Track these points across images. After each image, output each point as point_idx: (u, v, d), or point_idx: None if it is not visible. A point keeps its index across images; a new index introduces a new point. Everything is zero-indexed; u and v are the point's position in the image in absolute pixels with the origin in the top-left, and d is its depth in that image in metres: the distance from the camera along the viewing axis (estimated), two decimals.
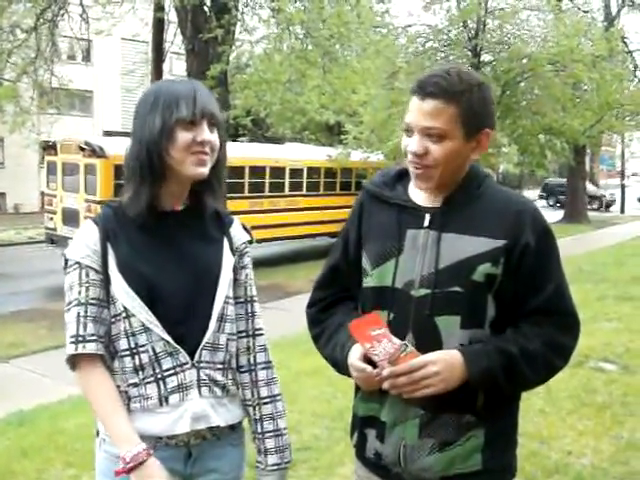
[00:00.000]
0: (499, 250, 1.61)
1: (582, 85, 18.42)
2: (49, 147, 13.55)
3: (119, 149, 12.97)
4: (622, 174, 33.98)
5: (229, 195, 13.13)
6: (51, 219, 13.31)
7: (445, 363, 1.55)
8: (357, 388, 1.77)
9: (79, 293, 1.68)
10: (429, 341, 1.60)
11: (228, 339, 1.78)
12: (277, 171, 15.56)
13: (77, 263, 1.70)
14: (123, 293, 1.67)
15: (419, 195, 1.71)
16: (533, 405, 4.75)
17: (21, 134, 13.86)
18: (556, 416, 4.65)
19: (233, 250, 1.83)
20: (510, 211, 1.65)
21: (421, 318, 1.62)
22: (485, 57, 18.31)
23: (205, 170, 1.72)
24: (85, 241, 1.71)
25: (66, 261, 1.72)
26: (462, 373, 1.56)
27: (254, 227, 12.34)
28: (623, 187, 32.14)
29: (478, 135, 1.64)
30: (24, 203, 25.50)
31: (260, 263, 14.13)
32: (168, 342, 1.68)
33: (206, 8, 11.36)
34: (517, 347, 1.59)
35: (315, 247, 16.05)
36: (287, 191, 15.82)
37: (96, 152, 12.13)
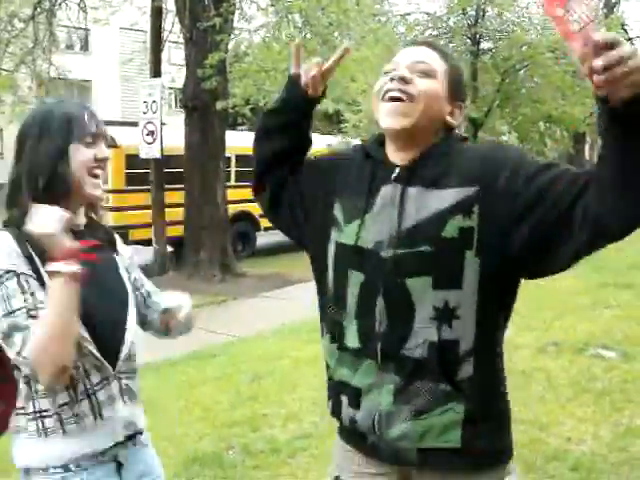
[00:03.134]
0: (469, 198, 1.47)
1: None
2: None
3: (130, 139, 13.06)
4: None
5: (237, 184, 13.18)
6: None
7: None
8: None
9: (25, 300, 1.58)
10: (400, 304, 1.52)
11: (135, 347, 1.85)
12: None
13: (11, 272, 1.59)
14: None
15: (394, 155, 1.62)
16: (533, 392, 4.76)
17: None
18: (555, 403, 4.66)
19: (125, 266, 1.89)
20: (481, 155, 1.54)
21: (391, 280, 1.53)
22: (484, 45, 18.27)
23: (101, 191, 1.77)
24: (6, 250, 1.61)
25: None
26: None
27: (261, 215, 12.36)
28: None
29: (455, 102, 1.61)
30: None
31: (261, 252, 14.14)
32: (96, 356, 1.69)
33: None
34: None
35: None
36: None
37: (107, 142, 12.11)
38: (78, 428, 1.69)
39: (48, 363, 1.53)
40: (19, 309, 1.57)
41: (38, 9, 12.20)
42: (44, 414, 1.67)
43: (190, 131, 11.58)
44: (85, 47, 27.34)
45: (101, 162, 1.76)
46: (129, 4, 12.73)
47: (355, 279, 1.59)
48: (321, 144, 17.26)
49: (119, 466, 1.79)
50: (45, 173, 1.67)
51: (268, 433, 4.32)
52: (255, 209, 12.55)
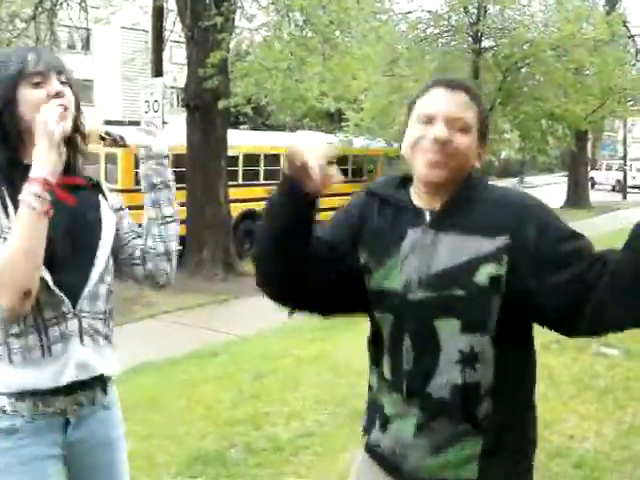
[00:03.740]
0: (501, 248, 1.54)
1: (584, 70, 18.34)
2: None
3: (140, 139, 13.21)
4: (624, 159, 33.86)
5: (245, 182, 13.20)
6: None
7: None
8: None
9: None
10: (427, 345, 1.57)
11: (108, 290, 1.81)
12: None
13: None
14: None
15: (420, 199, 1.66)
16: (535, 390, 4.75)
17: None
18: (558, 400, 4.66)
19: (110, 208, 1.90)
20: (509, 204, 1.59)
21: (419, 322, 1.58)
22: (486, 43, 18.23)
23: (66, 125, 1.69)
24: None
25: None
26: None
27: None
28: (625, 172, 32.04)
29: (483, 145, 1.64)
30: None
31: None
32: (52, 291, 1.67)
33: None
34: None
35: None
36: None
37: (117, 141, 12.14)
38: (23, 360, 1.67)
39: (9, 285, 1.56)
40: None
41: (39, 9, 12.20)
42: None
43: (192, 130, 11.58)
44: (86, 47, 27.31)
45: (57, 97, 1.69)
46: (130, 3, 12.75)
47: (387, 319, 1.64)
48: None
49: (67, 423, 1.74)
50: None
51: (271, 431, 4.32)
52: (262, 207, 12.68)
